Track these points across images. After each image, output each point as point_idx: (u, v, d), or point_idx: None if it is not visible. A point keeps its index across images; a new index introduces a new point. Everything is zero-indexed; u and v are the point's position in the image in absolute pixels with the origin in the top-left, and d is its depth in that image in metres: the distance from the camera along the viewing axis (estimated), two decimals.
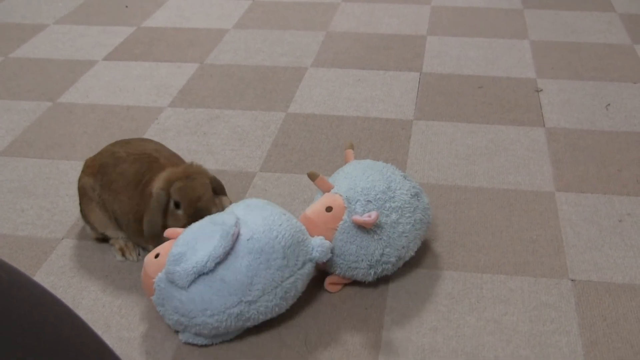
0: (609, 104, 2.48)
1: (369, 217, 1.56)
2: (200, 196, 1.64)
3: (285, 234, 1.52)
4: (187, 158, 2.16)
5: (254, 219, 1.54)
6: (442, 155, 2.20)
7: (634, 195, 1.99)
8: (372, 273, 1.64)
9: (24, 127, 2.44)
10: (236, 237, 1.49)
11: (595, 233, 1.85)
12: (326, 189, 1.68)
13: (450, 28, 3.15)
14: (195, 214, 1.62)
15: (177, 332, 1.57)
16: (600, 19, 3.21)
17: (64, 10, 3.50)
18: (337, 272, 1.66)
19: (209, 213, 1.63)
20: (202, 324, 1.49)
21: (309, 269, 1.57)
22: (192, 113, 2.49)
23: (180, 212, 1.64)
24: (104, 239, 1.85)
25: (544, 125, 2.35)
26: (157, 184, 1.65)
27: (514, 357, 1.50)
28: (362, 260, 1.62)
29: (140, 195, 1.70)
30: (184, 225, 1.60)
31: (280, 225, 1.53)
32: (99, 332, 1.20)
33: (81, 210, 1.83)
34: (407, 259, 1.69)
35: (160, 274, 1.52)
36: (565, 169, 2.11)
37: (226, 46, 3.03)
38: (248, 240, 1.49)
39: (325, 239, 1.60)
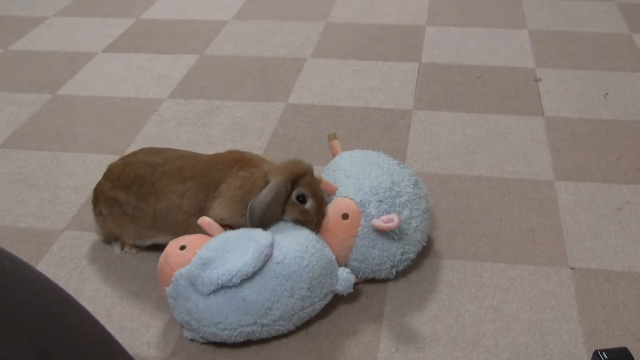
0: (607, 93, 2.48)
1: (391, 221, 1.55)
2: (324, 197, 1.62)
3: (315, 264, 1.50)
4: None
5: (288, 241, 1.51)
6: (442, 145, 2.20)
7: (633, 184, 2.00)
8: (394, 272, 1.65)
9: (24, 119, 2.44)
10: (268, 258, 1.47)
11: (594, 221, 1.86)
12: (331, 192, 1.66)
13: (449, 18, 3.15)
14: (318, 211, 1.59)
15: (182, 327, 1.57)
16: (599, 8, 3.21)
17: (63, 2, 3.50)
18: (360, 275, 1.65)
19: (322, 215, 1.61)
20: (212, 334, 1.49)
21: (328, 299, 1.57)
22: (192, 104, 2.50)
23: (308, 205, 1.57)
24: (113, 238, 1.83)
25: (543, 115, 2.36)
26: (278, 173, 1.57)
27: (514, 344, 1.51)
28: (385, 262, 1.62)
29: (214, 168, 1.63)
30: (303, 220, 1.58)
31: (313, 254, 1.51)
32: (101, 322, 1.21)
33: (101, 217, 1.77)
34: (420, 250, 1.70)
35: (182, 270, 1.49)
36: (565, 157, 2.12)
37: (226, 37, 3.03)
38: (278, 263, 1.47)
39: (346, 246, 1.59)
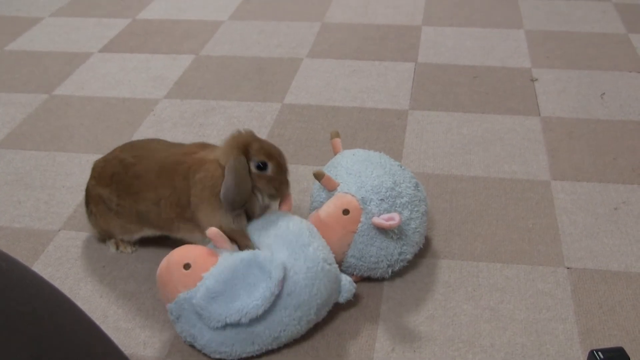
0: (604, 93, 2.48)
1: (392, 220, 1.54)
2: (279, 152, 1.59)
3: (323, 290, 1.48)
4: None
5: (297, 267, 1.46)
6: (438, 145, 2.20)
7: (629, 184, 2.00)
8: (390, 271, 1.65)
9: (20, 120, 2.44)
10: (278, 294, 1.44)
11: (591, 221, 1.86)
12: (332, 187, 1.65)
13: (445, 18, 3.15)
14: (282, 170, 1.57)
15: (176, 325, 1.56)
16: (595, 8, 3.21)
17: (59, 2, 3.50)
18: (356, 273, 1.65)
19: (287, 172, 1.59)
20: (213, 354, 1.48)
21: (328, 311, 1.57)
22: (188, 104, 2.49)
23: (268, 172, 1.55)
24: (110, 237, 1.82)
25: (540, 115, 2.36)
26: (226, 154, 1.54)
27: (511, 344, 1.51)
28: (382, 260, 1.61)
29: (176, 180, 1.60)
30: (275, 187, 1.56)
31: (321, 279, 1.48)
32: (97, 323, 1.21)
33: (92, 215, 1.78)
34: (417, 252, 1.70)
35: (187, 295, 1.45)
36: (561, 157, 2.12)
37: (222, 38, 3.03)
38: (288, 295, 1.44)
39: (345, 242, 1.59)
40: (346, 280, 1.56)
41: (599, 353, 1.34)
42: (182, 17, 3.27)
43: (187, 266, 1.46)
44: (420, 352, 1.50)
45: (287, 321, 1.46)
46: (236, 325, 1.43)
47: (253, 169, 1.54)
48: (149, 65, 2.81)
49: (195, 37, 3.04)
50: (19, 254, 1.81)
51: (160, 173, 1.63)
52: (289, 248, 1.50)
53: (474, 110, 2.39)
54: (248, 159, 1.54)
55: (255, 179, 1.55)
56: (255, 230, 1.57)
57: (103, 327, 1.27)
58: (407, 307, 1.62)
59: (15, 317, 0.94)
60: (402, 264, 1.65)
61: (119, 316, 1.62)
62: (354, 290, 1.57)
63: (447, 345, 1.51)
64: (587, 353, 1.47)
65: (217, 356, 1.48)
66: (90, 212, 1.78)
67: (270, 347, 1.48)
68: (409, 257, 1.65)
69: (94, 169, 1.78)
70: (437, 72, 2.67)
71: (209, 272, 1.45)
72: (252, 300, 1.41)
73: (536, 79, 2.59)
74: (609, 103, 2.42)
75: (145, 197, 1.65)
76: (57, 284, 1.69)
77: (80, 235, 1.88)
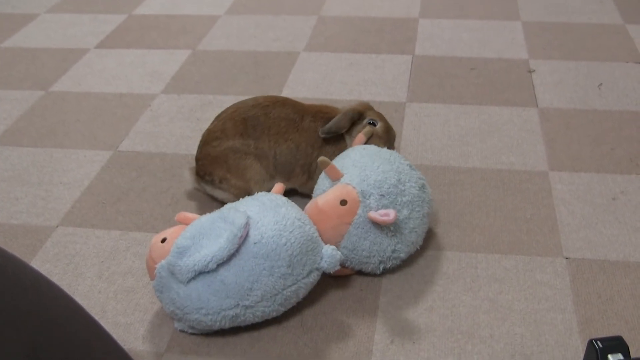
0: (601, 84, 2.48)
1: (387, 215, 1.54)
2: (391, 126, 1.92)
3: (294, 242, 1.48)
4: (181, 144, 2.16)
5: (265, 220, 1.50)
6: (436, 137, 2.20)
7: (627, 174, 2.00)
8: (382, 267, 1.64)
9: (16, 117, 2.44)
10: (243, 240, 1.46)
11: (589, 211, 1.86)
12: (336, 177, 1.65)
13: (442, 10, 3.15)
14: (389, 134, 1.90)
15: (172, 318, 1.56)
16: None
17: None
18: (347, 265, 1.64)
19: (393, 142, 1.91)
20: (196, 321, 1.49)
21: (314, 277, 1.54)
22: (185, 99, 2.49)
23: (378, 126, 1.87)
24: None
25: (537, 106, 2.35)
26: (349, 106, 1.88)
27: (510, 335, 1.51)
28: (374, 256, 1.61)
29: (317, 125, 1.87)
30: (379, 136, 1.87)
31: (292, 232, 1.49)
32: (95, 318, 1.21)
33: (224, 181, 1.86)
34: (413, 252, 1.69)
35: (162, 262, 1.50)
36: (559, 148, 2.12)
37: (218, 32, 3.02)
38: (255, 243, 1.46)
39: (338, 232, 1.59)
40: (328, 247, 1.55)
41: (598, 342, 1.34)
42: (178, 12, 3.27)
43: (163, 240, 1.55)
44: (419, 344, 1.50)
45: (258, 270, 1.46)
46: (206, 275, 1.45)
47: (365, 122, 1.86)
48: (145, 60, 2.80)
49: (191, 32, 3.03)
50: (17, 250, 1.81)
51: (293, 127, 1.87)
52: (261, 206, 1.55)
53: (471, 102, 2.39)
54: (362, 117, 1.87)
55: (364, 128, 1.85)
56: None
57: (102, 323, 1.27)
58: (406, 299, 1.62)
59: (12, 312, 0.94)
60: (395, 262, 1.64)
61: (117, 311, 1.62)
62: (338, 257, 1.54)
63: (446, 336, 1.51)
64: (586, 342, 1.46)
65: (196, 316, 1.47)
66: (219, 181, 1.87)
67: (247, 302, 1.46)
68: (402, 255, 1.65)
69: (209, 134, 1.90)
70: (435, 65, 2.66)
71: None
72: (217, 246, 1.45)
73: (533, 70, 2.59)
74: (607, 93, 2.41)
75: (289, 138, 1.85)
76: (55, 279, 1.69)
77: (78, 231, 1.88)
